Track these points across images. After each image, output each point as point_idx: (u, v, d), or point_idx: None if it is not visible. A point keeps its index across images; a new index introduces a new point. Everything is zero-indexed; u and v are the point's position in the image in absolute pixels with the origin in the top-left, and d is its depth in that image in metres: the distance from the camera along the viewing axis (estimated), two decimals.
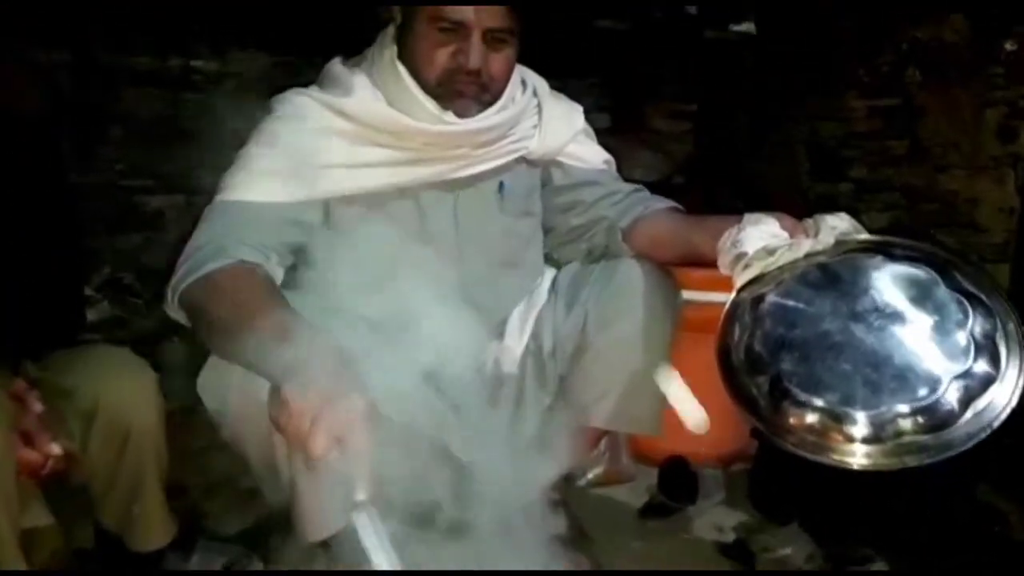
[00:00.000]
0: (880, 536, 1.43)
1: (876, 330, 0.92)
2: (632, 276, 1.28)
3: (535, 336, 1.34)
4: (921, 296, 0.93)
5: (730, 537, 1.50)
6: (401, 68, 1.21)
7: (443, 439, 1.26)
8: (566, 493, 1.49)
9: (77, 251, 1.39)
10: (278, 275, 1.11)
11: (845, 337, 0.92)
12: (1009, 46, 2.25)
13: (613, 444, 1.65)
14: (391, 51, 1.23)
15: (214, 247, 1.08)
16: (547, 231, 1.44)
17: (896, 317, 0.92)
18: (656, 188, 3.13)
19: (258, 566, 1.26)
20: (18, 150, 1.25)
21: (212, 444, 1.55)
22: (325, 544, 1.28)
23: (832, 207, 2.81)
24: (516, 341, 1.34)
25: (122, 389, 1.11)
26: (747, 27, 2.97)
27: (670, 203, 1.38)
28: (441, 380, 1.30)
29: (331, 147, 1.19)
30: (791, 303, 0.97)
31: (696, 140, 3.33)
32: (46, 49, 2.43)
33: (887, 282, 0.95)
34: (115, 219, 2.63)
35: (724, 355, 1.00)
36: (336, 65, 1.27)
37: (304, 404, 0.84)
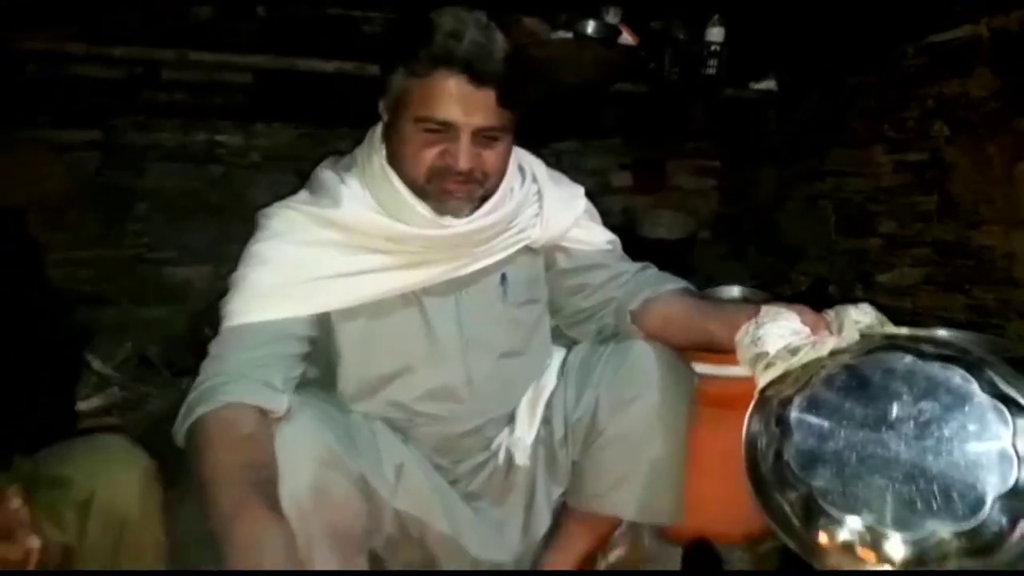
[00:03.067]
0: None
1: (911, 441, 0.86)
2: (645, 359, 1.24)
3: (546, 423, 1.30)
4: (958, 402, 0.87)
5: None
6: (391, 172, 1.18)
7: (457, 535, 1.22)
8: None
9: (65, 350, 1.39)
10: (278, 402, 1.06)
11: (879, 449, 0.86)
12: None
13: (635, 524, 1.58)
14: (380, 155, 1.20)
15: (208, 387, 1.05)
16: (555, 313, 1.41)
17: (932, 426, 0.86)
18: (682, 245, 3.10)
19: None
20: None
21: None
22: None
23: (861, 262, 2.78)
24: (526, 431, 1.30)
25: (117, 480, 1.09)
26: (767, 84, 2.96)
27: (679, 282, 1.35)
28: (452, 472, 1.27)
29: (325, 259, 1.16)
30: (820, 413, 0.91)
31: (721, 196, 3.32)
32: (78, 128, 2.53)
33: (920, 386, 0.89)
34: (141, 292, 2.68)
35: (752, 465, 0.95)
36: (325, 171, 1.24)
37: None
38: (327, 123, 2.69)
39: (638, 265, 1.39)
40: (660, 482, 1.26)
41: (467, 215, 1.18)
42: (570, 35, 2.39)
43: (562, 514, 1.35)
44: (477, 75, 1.10)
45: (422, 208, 1.17)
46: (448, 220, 1.18)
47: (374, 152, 1.21)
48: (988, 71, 2.32)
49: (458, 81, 1.10)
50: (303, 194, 1.23)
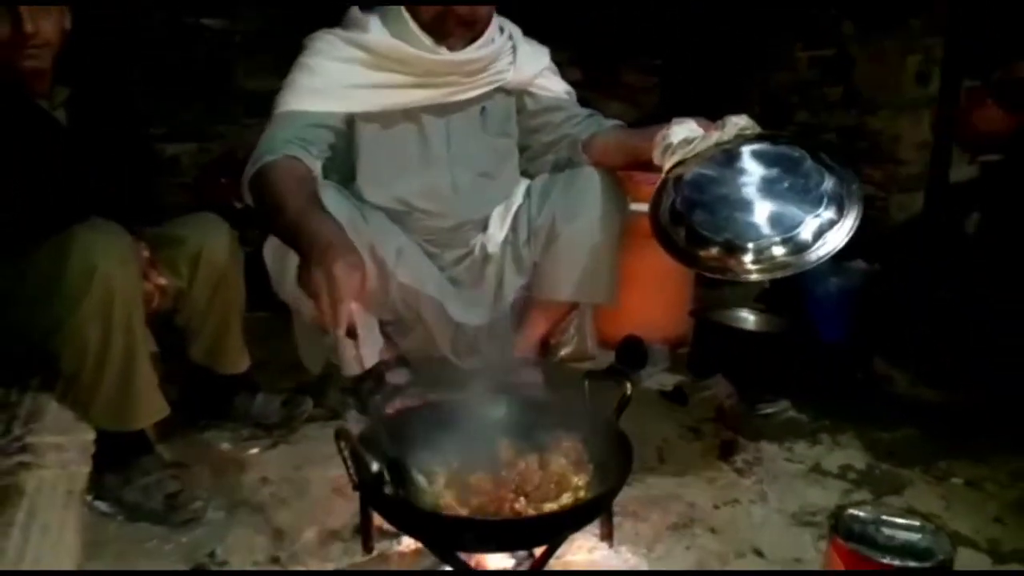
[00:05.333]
0: (787, 388, 1.82)
1: (760, 191, 1.29)
2: (591, 180, 1.64)
3: (513, 229, 1.70)
4: (793, 167, 1.30)
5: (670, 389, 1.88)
6: (405, 12, 1.55)
7: (442, 303, 1.63)
8: (538, 361, 1.85)
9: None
10: (315, 164, 1.46)
11: (738, 196, 1.29)
12: None
13: (581, 327, 1.99)
14: None
15: (268, 146, 1.44)
16: (522, 150, 1.78)
17: (775, 181, 1.30)
18: None
19: (308, 403, 1.62)
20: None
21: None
22: (357, 387, 1.65)
23: None
24: (497, 230, 1.70)
25: (220, 239, 1.47)
26: None
27: (619, 122, 1.75)
28: (440, 260, 1.67)
29: (353, 72, 1.54)
30: (701, 176, 1.34)
31: (662, 91, 3.66)
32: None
33: (770, 159, 1.32)
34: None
35: (655, 216, 1.37)
36: (355, 10, 1.61)
37: (326, 272, 1.13)
38: (308, 8, 2.90)
39: (589, 110, 1.78)
40: (599, 272, 1.67)
41: (459, 50, 1.56)
42: None
43: (525, 306, 1.76)
44: None
45: (426, 38, 1.54)
46: (444, 51, 1.55)
47: None
48: None
49: None
50: (338, 28, 1.59)
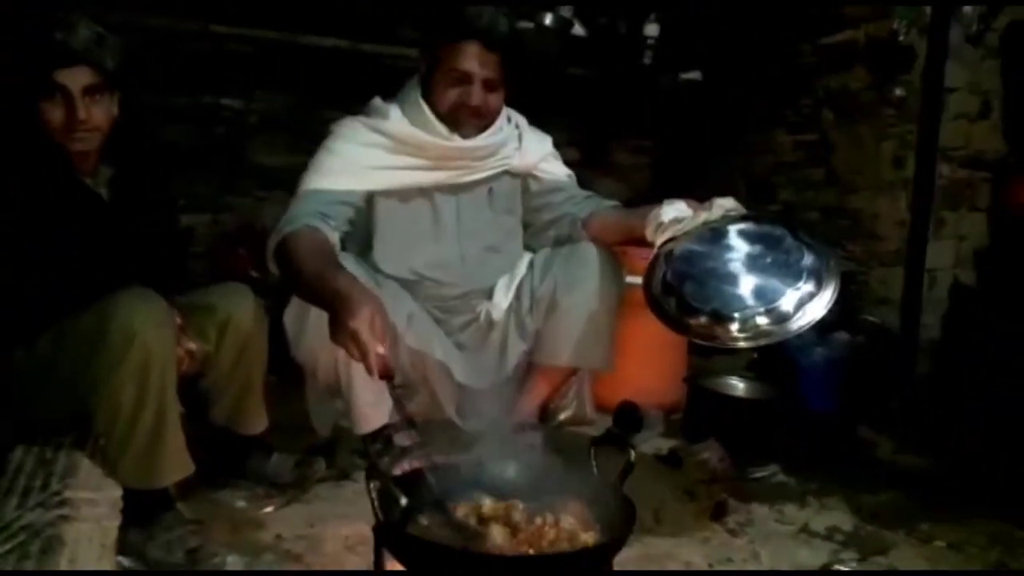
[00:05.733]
0: (777, 452, 1.90)
1: (745, 265, 1.43)
2: (589, 254, 1.78)
3: (517, 298, 1.82)
4: (775, 244, 1.44)
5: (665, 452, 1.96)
6: (423, 103, 1.71)
7: (448, 366, 1.73)
8: (540, 425, 1.93)
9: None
10: (334, 237, 1.58)
11: (725, 270, 1.42)
12: (898, 91, 2.80)
13: (579, 392, 2.08)
14: (416, 91, 1.74)
15: (291, 218, 1.57)
16: (526, 226, 1.93)
17: (758, 257, 1.44)
18: None
19: (320, 464, 1.70)
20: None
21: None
22: (367, 448, 1.73)
23: None
24: (502, 299, 1.82)
25: (246, 307, 1.56)
26: (694, 75, 3.49)
27: (615, 202, 1.90)
28: (448, 326, 1.78)
29: (374, 155, 1.69)
30: (691, 252, 1.47)
31: (653, 171, 3.85)
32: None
33: (754, 236, 1.47)
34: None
35: (648, 288, 1.49)
36: (377, 100, 1.77)
37: (352, 322, 1.22)
38: (319, 93, 3.09)
39: (587, 192, 1.94)
40: (597, 340, 1.79)
41: (471, 138, 1.72)
42: (531, 25, 2.90)
43: (527, 371, 1.85)
44: (489, 43, 1.66)
45: (441, 127, 1.70)
46: (457, 138, 1.71)
47: (412, 89, 1.75)
48: (864, 68, 2.91)
49: (477, 46, 1.66)
50: (361, 115, 1.74)
